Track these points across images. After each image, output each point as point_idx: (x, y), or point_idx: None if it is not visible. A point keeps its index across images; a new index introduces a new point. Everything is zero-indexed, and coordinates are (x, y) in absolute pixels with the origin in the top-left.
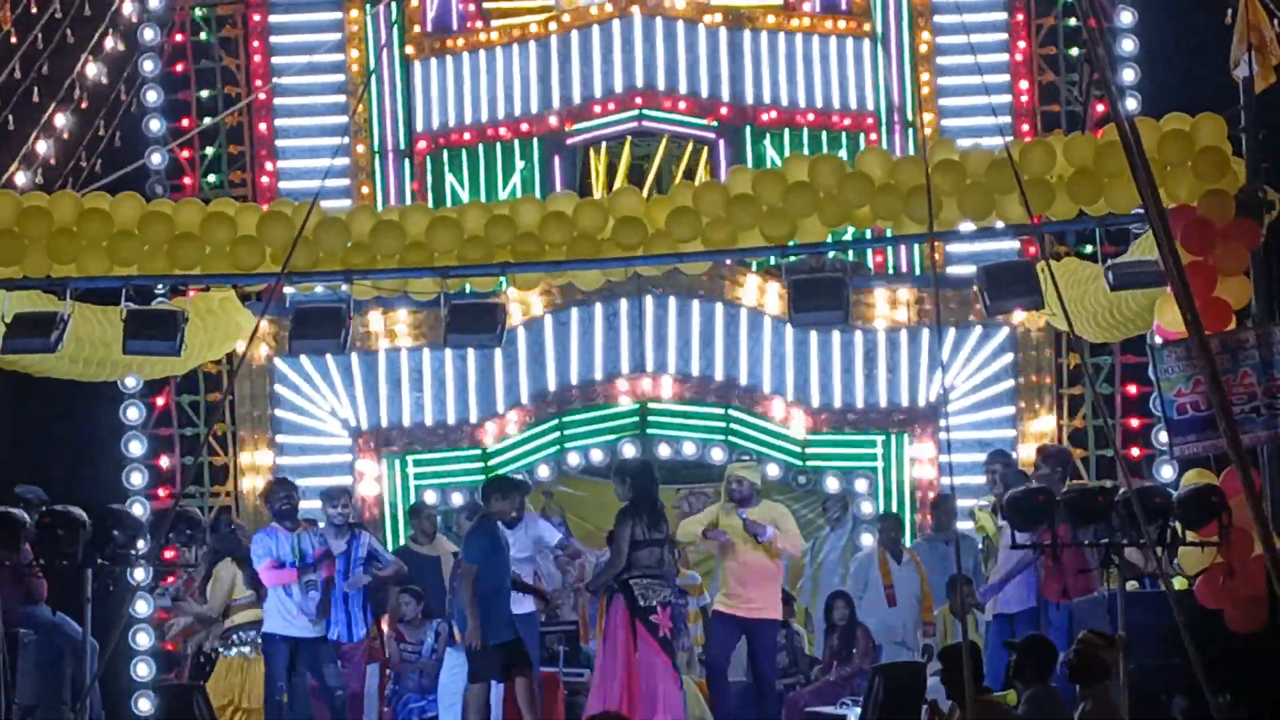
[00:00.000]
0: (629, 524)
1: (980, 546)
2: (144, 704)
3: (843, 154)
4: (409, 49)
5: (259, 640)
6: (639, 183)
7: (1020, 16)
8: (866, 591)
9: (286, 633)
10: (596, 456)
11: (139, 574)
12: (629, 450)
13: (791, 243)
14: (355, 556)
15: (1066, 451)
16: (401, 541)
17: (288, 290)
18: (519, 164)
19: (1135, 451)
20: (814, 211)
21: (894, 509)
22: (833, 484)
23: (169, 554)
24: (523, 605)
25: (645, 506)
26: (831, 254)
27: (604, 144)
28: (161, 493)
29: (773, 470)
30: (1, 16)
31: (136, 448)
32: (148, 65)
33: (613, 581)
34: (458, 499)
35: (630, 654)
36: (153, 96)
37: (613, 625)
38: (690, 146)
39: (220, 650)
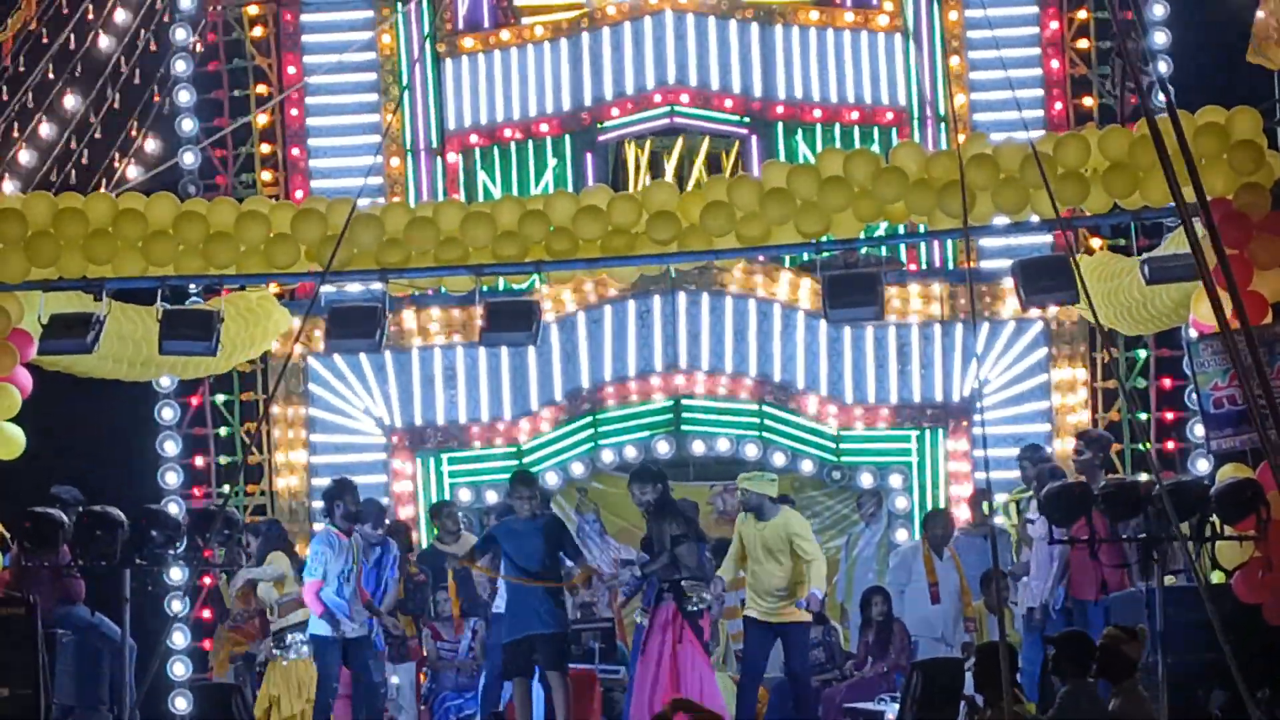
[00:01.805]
0: (665, 522)
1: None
2: (181, 703)
3: (874, 149)
4: (440, 47)
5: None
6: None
7: (1051, 10)
8: (909, 585)
9: (334, 635)
10: (630, 453)
11: (176, 574)
12: (663, 447)
13: (825, 238)
14: (388, 566)
15: (1107, 436)
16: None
17: (322, 289)
18: (551, 161)
19: (1170, 445)
20: (848, 206)
21: (929, 504)
22: (867, 479)
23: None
24: None
25: (669, 505)
26: (865, 249)
27: (637, 139)
28: (197, 492)
29: (807, 466)
30: (28, 14)
31: (172, 447)
32: (180, 65)
33: (663, 582)
34: (492, 497)
35: (674, 654)
36: (185, 97)
37: (660, 623)
38: (706, 142)
39: (276, 652)
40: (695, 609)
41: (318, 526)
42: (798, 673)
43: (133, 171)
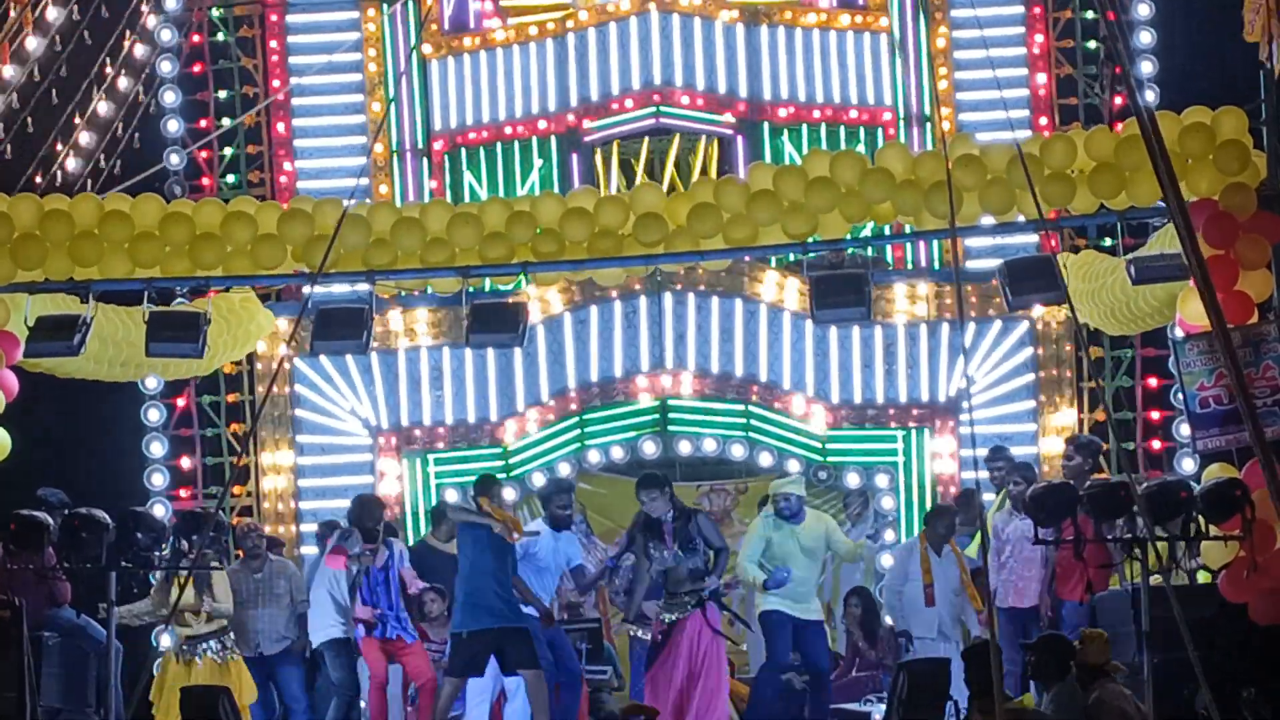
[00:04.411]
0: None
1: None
2: None
3: (861, 149)
4: (426, 48)
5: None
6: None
7: (1037, 9)
8: (906, 584)
9: (346, 635)
10: (617, 454)
11: (161, 576)
12: (649, 447)
13: (812, 239)
14: (393, 564)
15: (1097, 442)
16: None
17: (307, 289)
18: (537, 162)
19: (1156, 444)
20: (835, 207)
21: (915, 504)
22: (853, 480)
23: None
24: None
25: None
26: (851, 250)
27: (613, 142)
28: (183, 493)
29: (793, 466)
30: (22, 19)
31: (158, 449)
32: (165, 66)
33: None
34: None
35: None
36: (171, 98)
37: (696, 630)
38: (703, 141)
39: (187, 652)
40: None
41: (307, 528)
42: (824, 669)
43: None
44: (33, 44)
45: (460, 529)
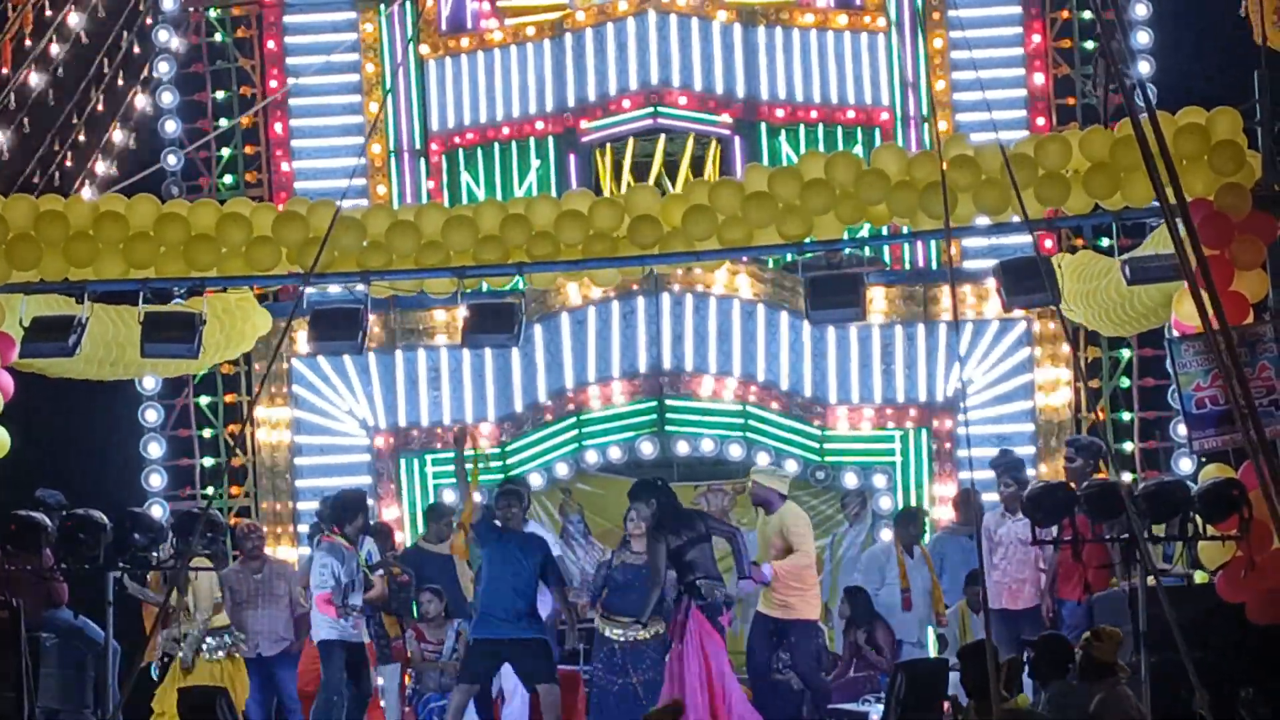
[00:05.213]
0: (661, 540)
1: None
2: None
3: (858, 150)
4: (423, 48)
5: (229, 642)
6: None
7: (1035, 9)
8: (882, 589)
9: (343, 638)
10: (615, 454)
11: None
12: (647, 448)
13: (808, 240)
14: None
15: (1098, 443)
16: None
17: (304, 290)
18: (534, 163)
19: (1154, 444)
20: (830, 209)
21: (914, 504)
22: (851, 480)
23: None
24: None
25: (669, 517)
26: (847, 251)
27: (609, 144)
28: (180, 494)
29: (791, 466)
30: (24, 19)
31: (155, 449)
32: (163, 67)
33: (680, 584)
34: (476, 498)
35: (705, 653)
36: (168, 98)
37: (678, 626)
38: (691, 141)
39: (199, 653)
40: (717, 603)
41: (302, 527)
42: (802, 671)
43: (114, 173)
44: (29, 44)
45: (485, 543)
